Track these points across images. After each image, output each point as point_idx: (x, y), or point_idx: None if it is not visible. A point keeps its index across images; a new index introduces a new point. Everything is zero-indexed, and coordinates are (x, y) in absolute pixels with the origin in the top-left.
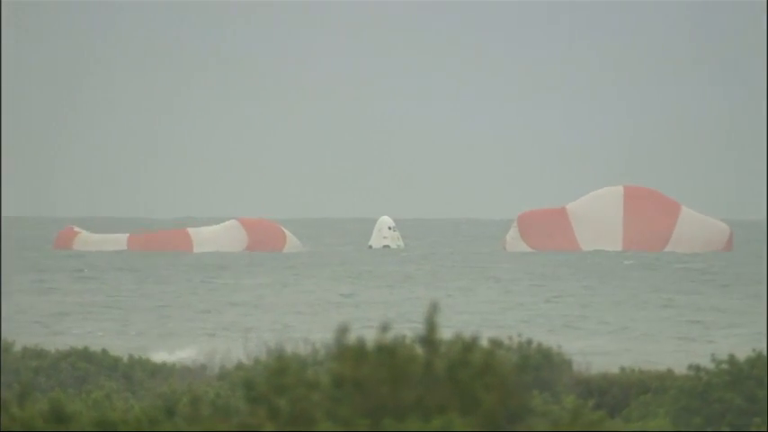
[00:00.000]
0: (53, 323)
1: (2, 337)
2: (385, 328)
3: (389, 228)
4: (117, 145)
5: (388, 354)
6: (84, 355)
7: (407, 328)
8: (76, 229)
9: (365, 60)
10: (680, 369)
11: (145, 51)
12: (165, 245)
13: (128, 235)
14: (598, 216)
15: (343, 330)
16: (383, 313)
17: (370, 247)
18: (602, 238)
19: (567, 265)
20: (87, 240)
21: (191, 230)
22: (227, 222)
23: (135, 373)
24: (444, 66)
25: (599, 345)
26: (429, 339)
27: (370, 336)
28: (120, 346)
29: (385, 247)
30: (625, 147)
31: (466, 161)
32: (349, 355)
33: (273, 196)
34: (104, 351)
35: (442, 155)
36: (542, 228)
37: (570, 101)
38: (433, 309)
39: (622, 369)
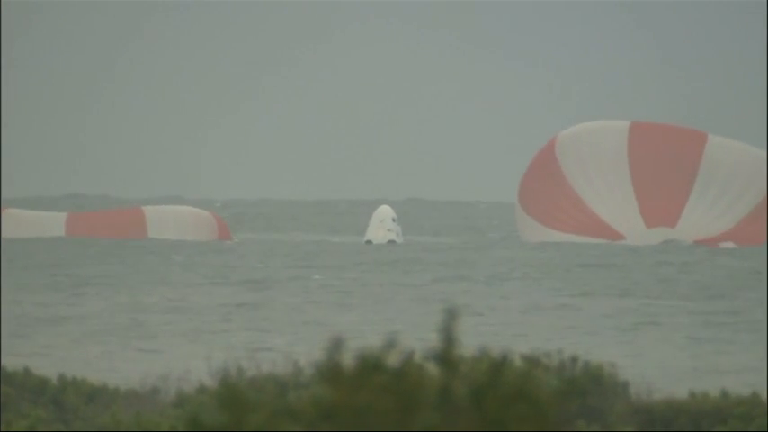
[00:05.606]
0: None
1: None
2: (391, 343)
3: (393, 219)
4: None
5: (395, 375)
6: (2, 376)
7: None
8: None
9: (362, 49)
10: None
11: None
12: (112, 229)
13: (66, 214)
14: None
15: (336, 345)
16: None
17: (369, 242)
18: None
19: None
20: (19, 218)
21: (146, 210)
22: (188, 207)
23: (67, 397)
24: (442, 53)
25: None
26: (446, 357)
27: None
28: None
29: (390, 242)
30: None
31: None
32: (343, 377)
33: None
34: (27, 370)
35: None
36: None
37: (568, 94)
38: (450, 316)
39: (692, 393)
